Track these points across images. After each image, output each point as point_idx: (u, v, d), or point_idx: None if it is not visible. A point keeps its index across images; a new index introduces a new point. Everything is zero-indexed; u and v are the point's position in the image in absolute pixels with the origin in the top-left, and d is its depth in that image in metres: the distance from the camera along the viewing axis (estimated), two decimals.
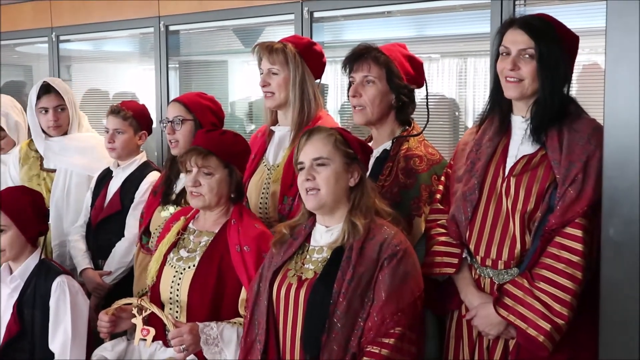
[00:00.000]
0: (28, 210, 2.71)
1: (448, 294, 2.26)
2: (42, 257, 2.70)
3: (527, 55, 2.08)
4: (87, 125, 3.60)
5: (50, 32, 4.77)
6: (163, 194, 2.83)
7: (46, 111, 3.46)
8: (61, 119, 3.47)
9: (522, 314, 2.03)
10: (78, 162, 3.45)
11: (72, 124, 3.49)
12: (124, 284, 3.09)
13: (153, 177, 3.18)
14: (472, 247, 2.18)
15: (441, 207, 2.30)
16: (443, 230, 2.26)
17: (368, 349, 1.99)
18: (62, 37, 4.77)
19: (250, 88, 4.10)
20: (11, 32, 4.97)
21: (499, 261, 2.12)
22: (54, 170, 3.50)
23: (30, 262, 2.66)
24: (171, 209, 2.76)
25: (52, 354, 2.55)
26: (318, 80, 2.73)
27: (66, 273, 2.67)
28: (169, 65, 4.18)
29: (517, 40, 2.10)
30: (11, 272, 2.69)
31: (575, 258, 1.99)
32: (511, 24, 2.13)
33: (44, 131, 3.50)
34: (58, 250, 3.36)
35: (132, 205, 3.15)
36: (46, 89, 3.45)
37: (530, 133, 2.11)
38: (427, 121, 2.52)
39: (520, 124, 2.16)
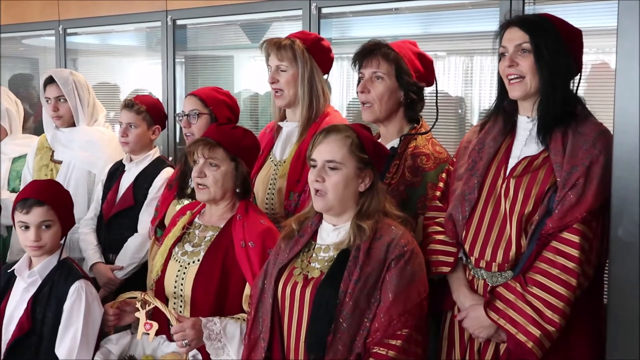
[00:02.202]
0: (69, 206, 2.64)
1: (442, 294, 2.23)
2: (64, 256, 2.59)
3: (524, 50, 2.06)
4: (101, 120, 3.57)
5: (57, 25, 4.77)
6: (178, 188, 2.81)
7: (49, 101, 3.48)
8: (62, 110, 3.46)
9: (513, 318, 2.00)
10: (79, 156, 3.43)
11: (78, 116, 3.47)
12: (135, 279, 3.07)
13: (167, 173, 3.17)
14: (467, 247, 2.15)
15: (440, 204, 2.28)
16: (440, 229, 2.24)
17: (375, 350, 1.98)
18: (69, 31, 4.78)
19: (256, 83, 4.10)
20: (18, 24, 4.97)
21: (493, 263, 2.09)
22: (61, 162, 3.50)
23: (52, 259, 2.56)
24: (186, 203, 2.75)
25: (57, 358, 2.45)
26: (326, 76, 2.73)
27: (86, 278, 2.57)
28: (176, 60, 4.18)
29: (513, 37, 2.08)
30: (29, 266, 2.59)
31: (570, 264, 1.95)
32: (507, 25, 2.12)
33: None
34: None
35: (146, 201, 3.13)
36: (50, 79, 3.46)
37: (537, 132, 2.08)
38: (436, 119, 2.51)
39: (525, 124, 2.14)
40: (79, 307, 2.47)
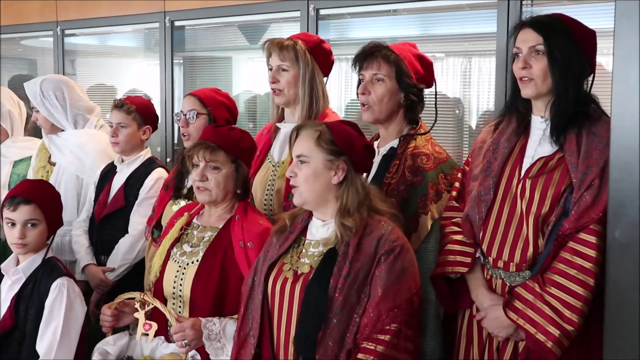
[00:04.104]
0: (57, 207, 2.70)
1: (460, 292, 2.26)
2: (49, 255, 2.65)
3: (538, 52, 2.08)
4: (94, 119, 3.55)
5: (55, 26, 4.77)
6: (174, 189, 2.82)
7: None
8: (40, 119, 3.49)
9: (532, 318, 2.02)
10: (68, 159, 3.44)
11: (60, 122, 3.46)
12: (127, 280, 3.08)
13: (158, 173, 3.18)
14: (484, 247, 2.17)
15: (456, 205, 2.30)
16: (457, 229, 2.25)
17: (363, 345, 1.98)
18: (67, 31, 4.78)
19: (254, 84, 4.10)
20: (16, 25, 4.97)
21: (511, 263, 2.11)
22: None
23: (37, 258, 2.62)
24: (182, 204, 2.75)
25: (38, 355, 2.49)
26: (325, 78, 2.73)
27: (69, 275, 2.63)
28: (174, 61, 4.18)
29: (527, 38, 2.10)
30: (16, 265, 2.65)
31: (587, 264, 1.98)
32: (522, 26, 2.14)
33: None
34: None
35: (137, 201, 3.14)
36: None
37: (550, 133, 2.10)
38: (435, 120, 2.51)
39: (539, 124, 2.16)
40: (60, 303, 2.52)
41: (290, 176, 2.12)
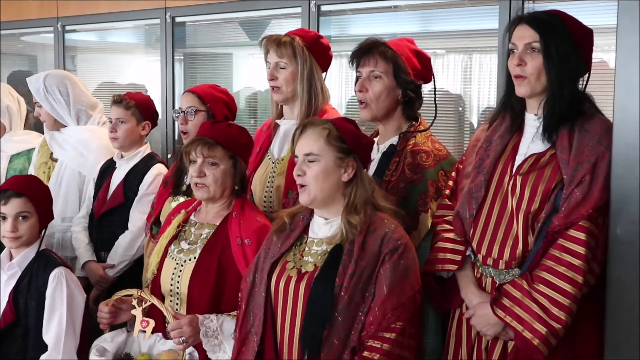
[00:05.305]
0: (47, 200, 2.73)
1: (450, 291, 2.24)
2: (42, 247, 2.68)
3: (533, 50, 2.05)
4: (97, 116, 3.53)
5: (56, 22, 4.77)
6: (173, 185, 2.83)
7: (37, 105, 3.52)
8: (42, 115, 3.47)
9: (519, 315, 2.00)
10: (70, 156, 3.43)
11: (63, 118, 3.45)
12: (127, 277, 3.08)
13: (157, 169, 3.17)
14: (474, 244, 2.15)
15: (449, 203, 2.28)
16: (449, 227, 2.24)
17: (369, 344, 1.99)
18: (67, 28, 4.77)
19: (255, 81, 4.10)
20: (17, 21, 4.96)
21: (500, 261, 2.09)
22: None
23: (30, 251, 2.65)
24: (182, 200, 2.75)
25: (45, 346, 2.53)
26: (324, 74, 2.72)
27: (65, 265, 2.66)
28: (175, 57, 4.17)
29: (523, 35, 2.07)
30: (10, 260, 2.67)
31: (577, 262, 1.95)
32: (519, 21, 2.11)
33: None
34: (46, 240, 3.35)
35: (137, 198, 3.13)
36: None
37: (542, 131, 2.08)
38: (435, 117, 2.50)
39: (532, 121, 2.13)
40: (60, 292, 2.55)
41: (299, 175, 2.10)
